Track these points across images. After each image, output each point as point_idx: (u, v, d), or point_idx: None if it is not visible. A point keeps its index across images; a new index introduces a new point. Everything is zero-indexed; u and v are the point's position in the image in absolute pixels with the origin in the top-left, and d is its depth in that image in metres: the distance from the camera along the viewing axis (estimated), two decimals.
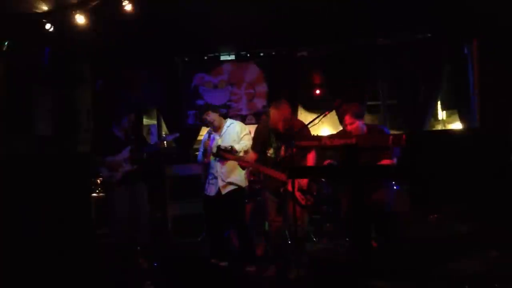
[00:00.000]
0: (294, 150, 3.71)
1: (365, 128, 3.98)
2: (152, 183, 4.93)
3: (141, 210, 4.52)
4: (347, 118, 3.93)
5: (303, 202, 3.97)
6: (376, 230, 3.96)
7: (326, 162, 3.94)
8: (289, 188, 3.95)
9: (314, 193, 4.07)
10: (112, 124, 4.53)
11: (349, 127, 3.94)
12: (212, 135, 4.54)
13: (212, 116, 4.45)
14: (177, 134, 4.75)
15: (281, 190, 4.02)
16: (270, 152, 4.10)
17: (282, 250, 4.24)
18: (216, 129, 4.51)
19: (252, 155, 4.23)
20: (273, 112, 4.05)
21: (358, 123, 3.92)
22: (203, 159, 4.55)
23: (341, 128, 4.47)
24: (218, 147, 4.27)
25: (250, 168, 4.48)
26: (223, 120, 4.53)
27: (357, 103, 4.16)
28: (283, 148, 4.03)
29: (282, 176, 4.00)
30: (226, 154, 4.21)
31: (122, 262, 4.37)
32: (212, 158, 4.46)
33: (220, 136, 4.48)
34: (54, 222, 4.61)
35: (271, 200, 4.16)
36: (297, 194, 3.96)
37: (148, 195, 4.65)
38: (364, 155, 3.56)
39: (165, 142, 4.75)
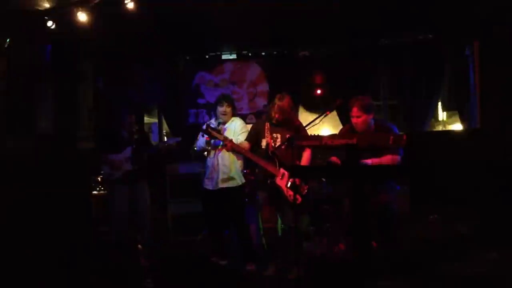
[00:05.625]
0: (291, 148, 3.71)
1: (373, 124, 3.88)
2: (153, 181, 4.94)
3: (142, 209, 4.52)
4: (354, 111, 3.81)
5: (290, 199, 3.95)
6: (378, 231, 3.94)
7: (333, 158, 3.92)
8: (277, 181, 3.98)
9: (303, 193, 4.08)
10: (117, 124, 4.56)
11: (354, 120, 3.84)
12: (212, 125, 4.55)
13: (226, 108, 4.47)
14: (179, 139, 4.72)
15: (268, 181, 4.04)
16: (264, 144, 4.12)
17: (282, 249, 4.25)
18: (223, 122, 4.52)
19: (245, 145, 4.26)
20: (275, 103, 4.10)
21: (366, 117, 3.80)
22: (204, 145, 4.53)
23: (341, 128, 4.47)
24: (208, 125, 4.30)
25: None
26: (231, 117, 4.57)
27: (368, 96, 4.08)
28: (279, 137, 4.07)
29: (272, 169, 4.01)
30: (214, 132, 4.24)
31: (122, 260, 4.38)
32: (212, 153, 4.48)
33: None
34: (55, 220, 4.62)
35: (265, 198, 4.18)
36: (285, 189, 4.00)
37: (150, 193, 4.66)
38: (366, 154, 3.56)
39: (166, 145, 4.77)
